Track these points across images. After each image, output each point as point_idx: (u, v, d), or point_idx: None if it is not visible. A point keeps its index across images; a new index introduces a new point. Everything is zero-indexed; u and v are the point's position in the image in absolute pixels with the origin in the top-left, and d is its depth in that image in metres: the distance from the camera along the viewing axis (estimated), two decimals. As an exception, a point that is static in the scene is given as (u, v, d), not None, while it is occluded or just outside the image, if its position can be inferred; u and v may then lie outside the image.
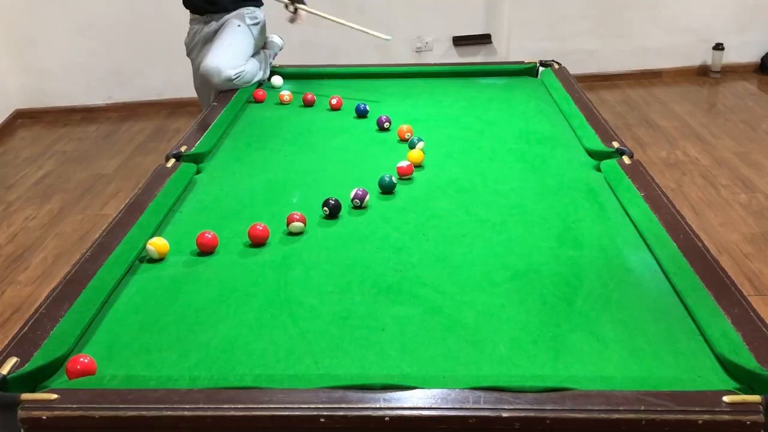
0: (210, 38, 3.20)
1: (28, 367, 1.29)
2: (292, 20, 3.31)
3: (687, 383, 1.27)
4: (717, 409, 1.18)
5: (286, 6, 3.26)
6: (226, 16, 3.20)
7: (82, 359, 1.33)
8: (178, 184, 2.13)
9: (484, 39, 5.73)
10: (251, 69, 3.13)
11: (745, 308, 1.44)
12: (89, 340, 1.45)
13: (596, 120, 2.56)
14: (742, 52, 5.84)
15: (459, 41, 5.74)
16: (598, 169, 2.21)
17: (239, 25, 3.17)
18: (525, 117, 2.76)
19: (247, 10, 3.22)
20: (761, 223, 3.59)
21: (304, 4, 3.28)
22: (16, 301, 3.18)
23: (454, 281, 1.64)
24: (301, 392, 1.24)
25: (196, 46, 3.27)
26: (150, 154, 4.81)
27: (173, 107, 5.65)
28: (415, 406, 1.21)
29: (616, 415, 1.18)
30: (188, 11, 3.30)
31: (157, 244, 1.76)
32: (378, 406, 1.21)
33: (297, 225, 1.86)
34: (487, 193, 2.10)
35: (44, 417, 1.19)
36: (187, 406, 1.21)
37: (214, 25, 3.21)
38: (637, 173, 2.09)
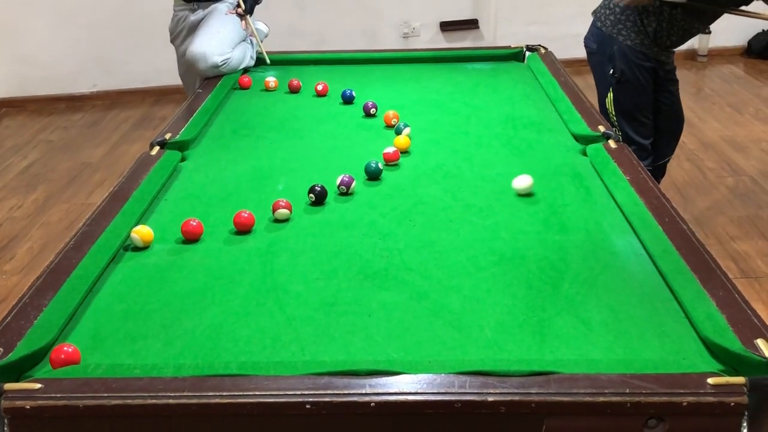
0: (195, 27, 3.17)
1: (12, 356, 1.28)
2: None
3: (672, 366, 1.27)
4: (701, 391, 1.18)
5: (239, 5, 3.23)
6: (213, 5, 3.17)
7: (66, 348, 1.32)
8: (162, 171, 2.11)
9: (471, 24, 5.72)
10: (237, 56, 3.11)
11: (730, 291, 1.44)
12: (73, 329, 1.44)
13: (582, 104, 2.56)
14: (728, 36, 5.84)
15: (446, 26, 5.72)
16: (585, 154, 2.21)
17: (227, 13, 3.15)
18: (511, 102, 2.75)
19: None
20: (747, 206, 3.61)
21: (251, 14, 3.27)
22: (1, 291, 3.17)
23: (440, 266, 1.64)
24: (286, 379, 1.24)
25: (180, 34, 3.24)
26: (136, 143, 4.78)
27: (159, 95, 5.61)
28: (401, 391, 1.21)
29: (601, 398, 1.18)
30: None
31: (142, 232, 1.74)
32: (364, 391, 1.21)
33: (283, 212, 1.85)
34: (474, 179, 2.10)
35: (28, 407, 1.18)
36: (172, 394, 1.20)
37: (200, 13, 3.18)
38: (623, 157, 2.09)
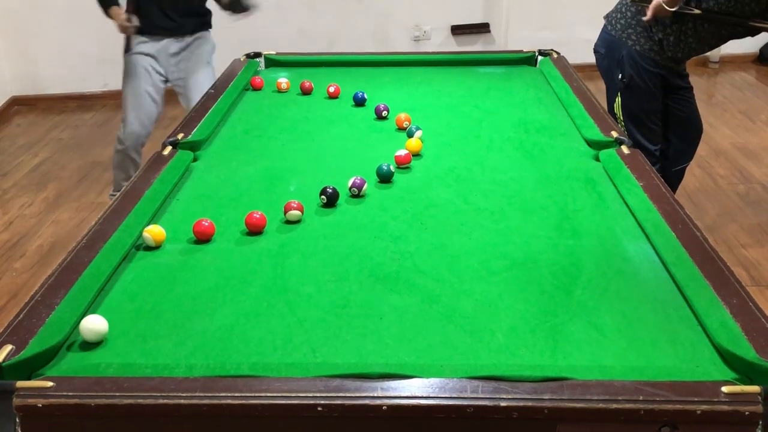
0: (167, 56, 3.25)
1: (24, 354, 1.28)
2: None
3: (686, 373, 1.26)
4: (715, 400, 1.17)
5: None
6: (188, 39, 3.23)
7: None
8: (174, 171, 2.11)
9: (482, 28, 5.72)
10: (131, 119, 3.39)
11: (744, 299, 1.43)
12: (85, 327, 1.44)
13: (595, 109, 2.55)
14: (740, 42, 5.77)
15: (457, 30, 5.72)
16: (597, 159, 2.21)
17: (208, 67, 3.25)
18: (523, 106, 2.75)
19: (207, 42, 3.36)
20: (759, 213, 3.59)
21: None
22: (12, 288, 3.17)
23: (452, 270, 1.63)
24: (298, 381, 1.24)
25: (144, 59, 3.29)
26: (146, 142, 4.78)
27: (169, 95, 5.60)
28: (413, 395, 1.21)
29: (614, 405, 1.17)
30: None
31: (154, 231, 1.75)
32: (375, 395, 1.21)
33: (294, 213, 1.85)
34: (486, 182, 2.09)
35: (39, 405, 1.18)
36: (183, 395, 1.20)
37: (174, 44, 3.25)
38: (636, 163, 2.08)
